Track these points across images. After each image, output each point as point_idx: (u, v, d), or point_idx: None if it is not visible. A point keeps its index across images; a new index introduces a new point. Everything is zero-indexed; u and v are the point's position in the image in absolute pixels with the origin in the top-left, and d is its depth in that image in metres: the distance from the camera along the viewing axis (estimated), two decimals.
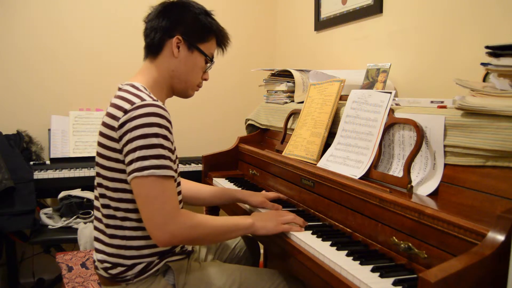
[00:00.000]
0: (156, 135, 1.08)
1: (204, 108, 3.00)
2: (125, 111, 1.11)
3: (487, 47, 1.09)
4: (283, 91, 2.07)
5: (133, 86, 1.19)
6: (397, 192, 1.15)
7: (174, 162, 1.20)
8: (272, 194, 1.58)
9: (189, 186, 1.56)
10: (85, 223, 2.19)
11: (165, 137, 1.10)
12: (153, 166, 1.07)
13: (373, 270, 0.98)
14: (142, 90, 1.18)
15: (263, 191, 1.63)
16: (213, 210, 2.03)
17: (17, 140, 2.40)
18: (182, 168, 2.55)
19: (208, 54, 1.31)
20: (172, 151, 1.15)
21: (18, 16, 2.54)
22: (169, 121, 1.13)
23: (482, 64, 1.11)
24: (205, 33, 1.30)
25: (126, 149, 1.10)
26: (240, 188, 1.81)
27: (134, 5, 2.72)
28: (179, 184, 1.30)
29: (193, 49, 1.28)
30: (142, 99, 1.12)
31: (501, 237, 0.81)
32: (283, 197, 1.60)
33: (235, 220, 1.26)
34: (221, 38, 1.35)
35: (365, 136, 1.38)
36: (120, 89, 1.22)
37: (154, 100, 1.14)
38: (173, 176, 1.12)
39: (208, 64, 1.34)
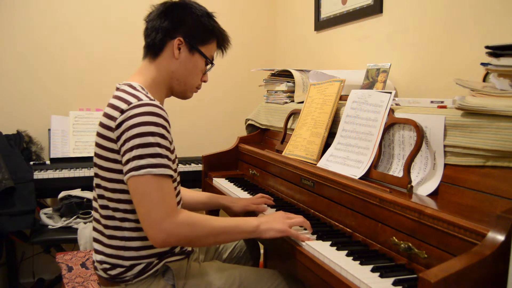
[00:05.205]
0: (152, 134, 1.08)
1: (204, 108, 3.00)
2: (122, 111, 1.10)
3: (487, 47, 1.09)
4: (283, 91, 2.07)
5: (130, 86, 1.19)
6: (397, 192, 1.15)
7: (173, 162, 1.20)
8: (256, 197, 1.55)
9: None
10: (85, 223, 2.19)
11: (162, 136, 1.10)
12: (149, 165, 1.06)
13: (373, 270, 0.98)
14: (139, 90, 1.17)
15: (249, 197, 1.61)
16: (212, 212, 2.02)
17: (17, 140, 2.40)
18: (182, 168, 2.55)
19: (209, 56, 1.31)
20: (170, 150, 1.14)
21: (18, 16, 2.54)
22: (167, 120, 1.13)
23: (482, 64, 1.11)
24: (206, 36, 1.29)
25: (123, 148, 1.09)
26: (240, 188, 1.82)
27: (134, 5, 2.72)
28: (178, 183, 1.30)
29: (194, 51, 1.27)
30: (139, 99, 1.12)
31: (501, 237, 0.81)
32: (266, 197, 1.54)
33: (238, 222, 1.21)
34: (221, 41, 1.34)
35: (365, 136, 1.38)
36: (117, 89, 1.21)
37: (151, 99, 1.14)
38: (171, 176, 1.11)
39: (208, 66, 1.34)
